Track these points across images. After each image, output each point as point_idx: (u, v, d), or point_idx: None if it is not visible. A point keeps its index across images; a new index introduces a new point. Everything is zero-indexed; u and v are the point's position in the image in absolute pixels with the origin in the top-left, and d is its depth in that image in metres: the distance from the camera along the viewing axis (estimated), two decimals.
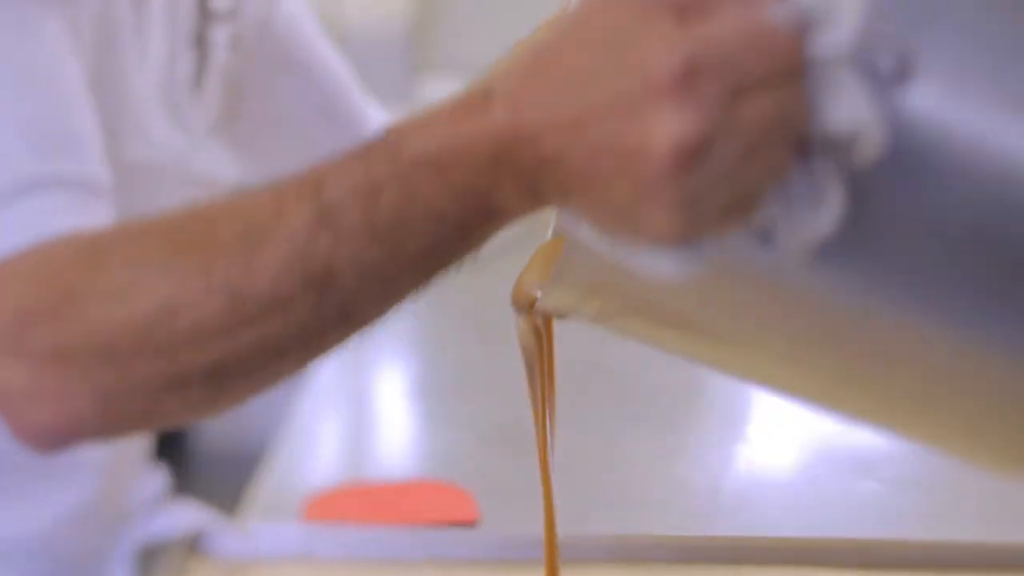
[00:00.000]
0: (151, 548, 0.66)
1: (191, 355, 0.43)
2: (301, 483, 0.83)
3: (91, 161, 0.54)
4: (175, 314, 0.43)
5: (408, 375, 1.32)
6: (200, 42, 0.67)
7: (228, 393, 0.45)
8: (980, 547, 0.67)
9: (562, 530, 0.53)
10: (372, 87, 0.83)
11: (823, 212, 0.36)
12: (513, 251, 0.50)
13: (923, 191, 0.35)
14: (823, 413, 0.46)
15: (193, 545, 0.66)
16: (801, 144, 0.36)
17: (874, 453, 0.94)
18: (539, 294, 0.44)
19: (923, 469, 0.88)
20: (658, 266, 0.36)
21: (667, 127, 0.35)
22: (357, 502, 0.76)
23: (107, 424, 0.46)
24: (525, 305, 0.45)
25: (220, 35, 0.68)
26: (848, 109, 0.35)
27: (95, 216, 0.53)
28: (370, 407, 1.17)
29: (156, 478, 0.73)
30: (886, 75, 0.35)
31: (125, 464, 0.69)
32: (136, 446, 0.70)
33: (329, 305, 0.42)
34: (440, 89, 1.17)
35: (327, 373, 1.13)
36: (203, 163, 0.69)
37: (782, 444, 1.02)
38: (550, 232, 0.45)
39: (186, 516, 0.67)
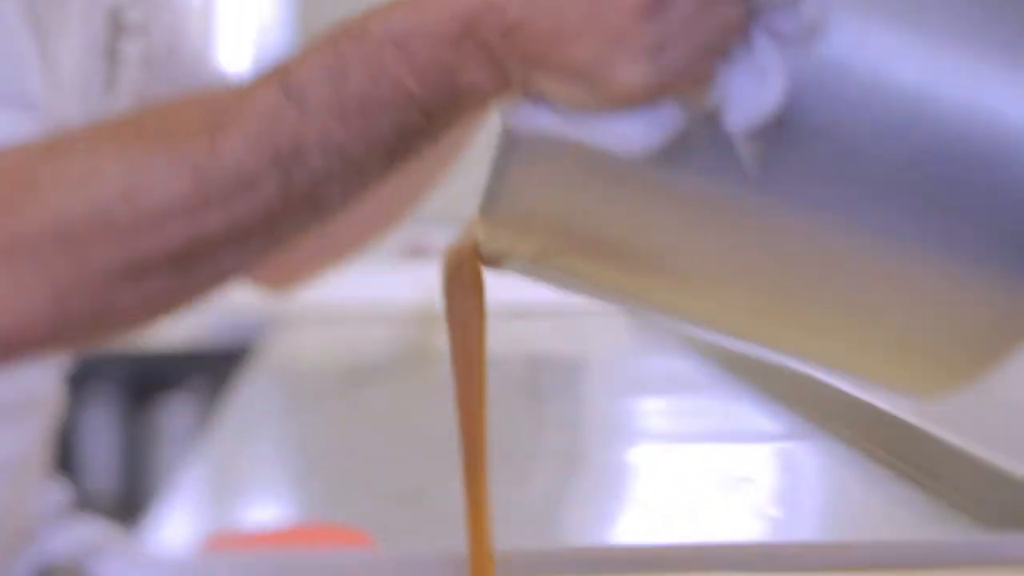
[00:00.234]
0: (52, 567, 0.65)
1: (153, 240, 0.42)
2: (195, 526, 0.83)
3: (34, 85, 0.54)
4: (137, 197, 0.42)
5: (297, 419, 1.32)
6: (111, 54, 0.68)
7: (189, 284, 0.44)
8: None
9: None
10: None
11: (767, 90, 0.38)
12: None
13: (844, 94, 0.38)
14: (756, 348, 0.47)
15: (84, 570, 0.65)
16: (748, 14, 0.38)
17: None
18: (479, 237, 0.45)
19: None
20: (624, 133, 0.38)
21: None
22: (255, 545, 0.75)
23: (61, 324, 0.44)
24: (460, 257, 0.46)
25: (132, 50, 0.69)
26: None
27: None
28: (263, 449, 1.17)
29: (57, 491, 0.71)
30: None
31: (26, 474, 0.67)
32: (36, 455, 0.69)
33: (296, 186, 0.41)
34: None
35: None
36: None
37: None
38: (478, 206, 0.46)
39: (89, 533, 0.66)
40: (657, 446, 1.14)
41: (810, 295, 0.42)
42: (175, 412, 2.00)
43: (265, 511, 0.93)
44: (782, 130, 0.38)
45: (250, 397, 1.27)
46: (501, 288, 1.77)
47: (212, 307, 2.23)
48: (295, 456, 1.09)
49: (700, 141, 0.38)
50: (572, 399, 1.54)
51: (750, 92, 0.38)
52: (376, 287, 1.98)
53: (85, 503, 0.86)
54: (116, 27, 0.69)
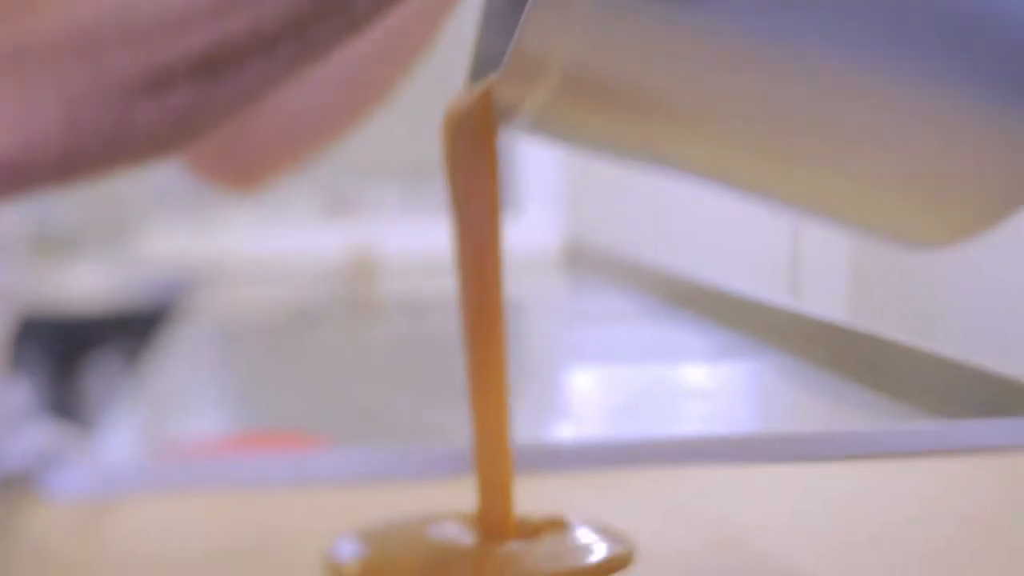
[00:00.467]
0: (9, 475, 0.63)
1: (176, 42, 0.38)
2: (143, 439, 0.81)
3: None
4: None
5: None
6: None
7: (213, 98, 0.40)
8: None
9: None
10: None
11: None
12: None
13: None
14: (766, 199, 0.45)
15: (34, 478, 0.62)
16: None
17: None
18: (488, 89, 0.41)
19: None
20: None
21: None
22: (211, 453, 0.74)
23: (74, 143, 0.39)
24: (466, 115, 0.42)
25: None
26: None
27: None
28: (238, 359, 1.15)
29: (14, 393, 0.67)
30: None
31: None
32: None
33: None
34: None
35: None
36: None
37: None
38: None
39: (45, 439, 0.64)
40: (597, 368, 1.13)
41: (827, 134, 0.40)
42: (100, 375, 1.96)
43: (213, 423, 0.91)
44: None
45: (184, 347, 1.25)
46: (427, 242, 1.75)
47: (132, 267, 2.18)
48: (236, 395, 1.07)
49: None
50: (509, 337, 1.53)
51: None
52: (301, 242, 1.95)
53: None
54: None
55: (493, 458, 0.45)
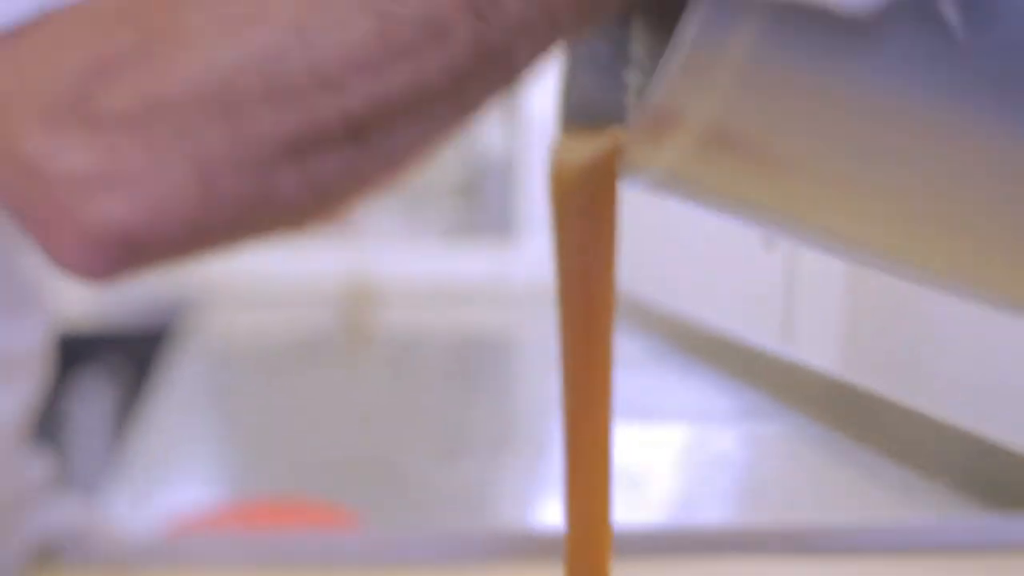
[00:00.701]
0: (38, 549, 0.61)
1: (329, 101, 0.34)
2: (159, 505, 0.79)
3: None
4: (311, 42, 0.34)
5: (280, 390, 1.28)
6: None
7: (362, 161, 0.36)
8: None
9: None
10: None
11: None
12: None
13: None
14: (910, 272, 0.43)
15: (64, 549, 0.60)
16: None
17: None
18: (618, 144, 0.39)
19: None
20: None
21: None
22: (227, 525, 0.71)
23: (206, 213, 0.35)
24: (590, 168, 0.39)
25: None
26: None
27: None
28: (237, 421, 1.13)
29: (41, 465, 0.64)
30: None
31: (8, 443, 0.60)
32: (19, 423, 0.62)
33: (490, 37, 0.35)
34: None
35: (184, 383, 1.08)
36: None
37: None
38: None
39: (71, 514, 0.61)
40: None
41: (978, 197, 0.38)
42: (86, 397, 1.93)
43: (226, 488, 0.89)
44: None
45: (178, 388, 1.22)
46: (426, 269, 1.74)
47: (126, 286, 2.15)
48: (243, 434, 1.05)
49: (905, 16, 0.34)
50: (505, 380, 1.52)
51: None
52: (298, 263, 1.93)
53: None
54: None
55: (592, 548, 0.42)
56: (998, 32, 0.34)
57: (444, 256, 1.81)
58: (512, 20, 0.35)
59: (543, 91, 0.46)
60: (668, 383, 1.22)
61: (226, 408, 1.20)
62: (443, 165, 2.09)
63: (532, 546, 0.63)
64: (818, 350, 1.41)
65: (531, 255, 2.01)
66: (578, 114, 0.42)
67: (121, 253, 0.34)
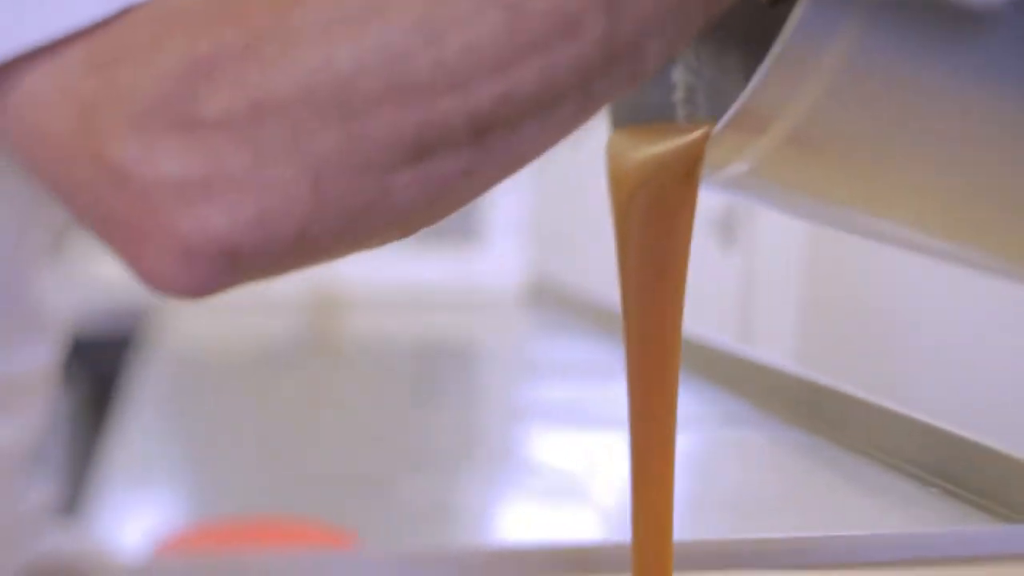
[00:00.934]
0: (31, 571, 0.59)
1: (454, 99, 0.31)
2: (142, 524, 0.78)
3: None
4: (437, 38, 0.31)
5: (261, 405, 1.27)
6: None
7: (481, 166, 0.33)
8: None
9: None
10: None
11: None
12: None
13: None
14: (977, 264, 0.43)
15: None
16: None
17: None
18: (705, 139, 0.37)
19: None
20: None
21: None
22: (215, 544, 0.70)
23: (314, 221, 0.32)
24: (676, 161, 0.38)
25: None
26: None
27: None
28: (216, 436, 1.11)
29: (39, 490, 0.62)
30: None
31: (12, 469, 0.58)
32: (23, 449, 0.59)
33: (620, 33, 0.33)
34: None
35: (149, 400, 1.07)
36: None
37: None
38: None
39: (67, 539, 0.60)
40: (567, 434, 1.10)
41: None
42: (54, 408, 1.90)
43: (212, 504, 0.88)
44: None
45: (148, 390, 1.21)
46: (391, 275, 1.72)
47: (77, 288, 2.12)
48: (213, 448, 1.03)
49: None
50: (467, 388, 1.51)
51: None
52: None
53: None
54: None
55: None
56: None
57: (409, 262, 1.80)
58: (643, 14, 0.33)
59: None
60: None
61: (193, 421, 1.18)
62: None
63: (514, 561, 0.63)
64: (778, 349, 1.42)
65: (496, 260, 2.01)
66: (627, 112, 0.42)
67: (218, 266, 0.31)
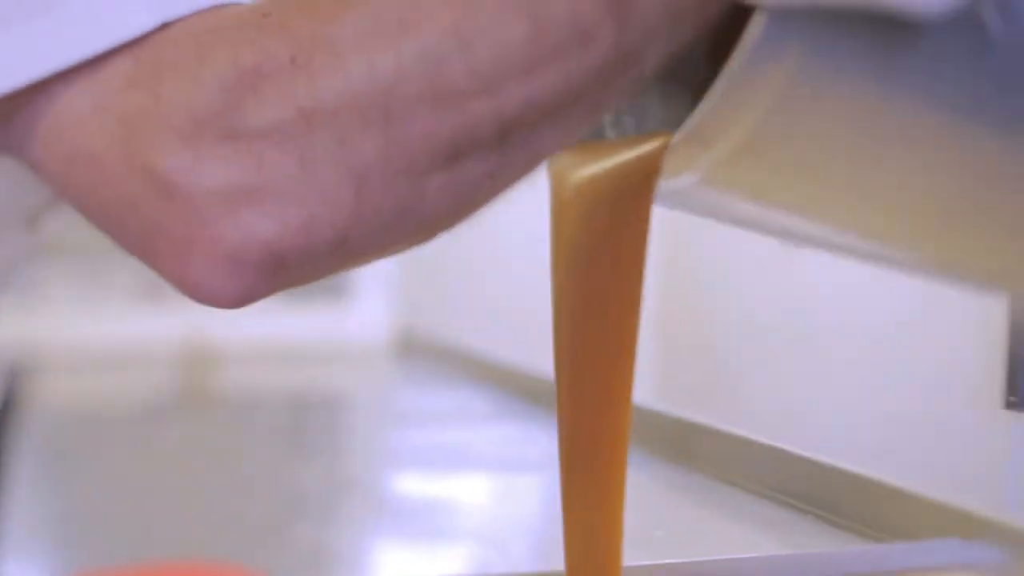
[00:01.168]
0: None
1: (486, 103, 0.33)
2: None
3: None
4: (468, 45, 0.32)
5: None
6: None
7: (504, 168, 0.35)
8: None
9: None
10: None
11: None
12: None
13: None
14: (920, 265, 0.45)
15: None
16: None
17: None
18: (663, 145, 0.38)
19: None
20: None
21: None
22: None
23: (357, 225, 0.33)
24: (632, 172, 0.39)
25: None
26: None
27: None
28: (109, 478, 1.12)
29: None
30: None
31: None
32: None
33: (627, 40, 0.35)
34: None
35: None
36: None
37: None
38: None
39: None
40: (426, 476, 1.13)
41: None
42: None
43: (112, 551, 0.89)
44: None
45: (29, 449, 1.20)
46: (259, 329, 1.73)
47: None
48: (102, 501, 1.04)
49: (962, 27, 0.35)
50: (339, 437, 1.53)
51: None
52: (120, 328, 1.90)
53: None
54: None
55: None
56: None
57: (279, 317, 1.81)
58: (647, 24, 0.35)
59: None
60: (523, 434, 1.26)
61: (72, 477, 1.18)
62: None
63: None
64: (639, 386, 1.46)
65: (364, 314, 2.03)
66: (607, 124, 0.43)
67: (264, 273, 0.32)
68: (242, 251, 0.32)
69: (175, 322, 1.81)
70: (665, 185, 0.39)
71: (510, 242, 1.92)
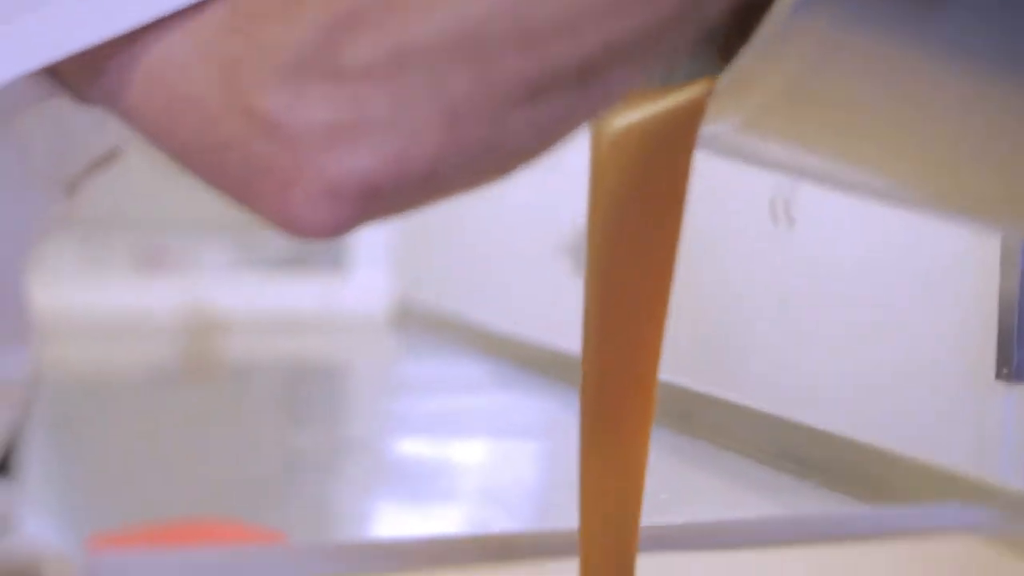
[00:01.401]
0: None
1: (567, 46, 0.35)
2: (71, 525, 0.80)
3: None
4: None
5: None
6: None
7: (582, 106, 0.37)
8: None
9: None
10: None
11: None
12: None
13: None
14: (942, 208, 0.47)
15: None
16: None
17: None
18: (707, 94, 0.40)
19: None
20: None
21: None
22: (147, 545, 0.73)
23: (447, 158, 0.35)
24: (679, 114, 0.41)
25: None
26: None
27: None
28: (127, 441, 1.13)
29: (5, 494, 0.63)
30: None
31: None
32: None
33: None
34: None
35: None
36: None
37: None
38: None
39: (29, 542, 0.61)
40: (426, 442, 1.15)
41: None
42: None
43: (119, 513, 0.91)
44: None
45: (42, 414, 1.22)
46: (260, 300, 1.74)
47: None
48: (114, 463, 1.06)
49: None
50: (339, 404, 1.55)
51: None
52: (118, 299, 1.91)
53: None
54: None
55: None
56: None
57: (280, 289, 1.83)
58: None
59: None
60: (517, 402, 1.28)
61: (77, 443, 1.20)
62: None
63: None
64: None
65: (362, 286, 2.05)
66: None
67: (359, 204, 0.34)
68: (341, 184, 0.33)
69: (177, 292, 1.83)
70: (705, 130, 0.41)
71: (506, 213, 1.94)
